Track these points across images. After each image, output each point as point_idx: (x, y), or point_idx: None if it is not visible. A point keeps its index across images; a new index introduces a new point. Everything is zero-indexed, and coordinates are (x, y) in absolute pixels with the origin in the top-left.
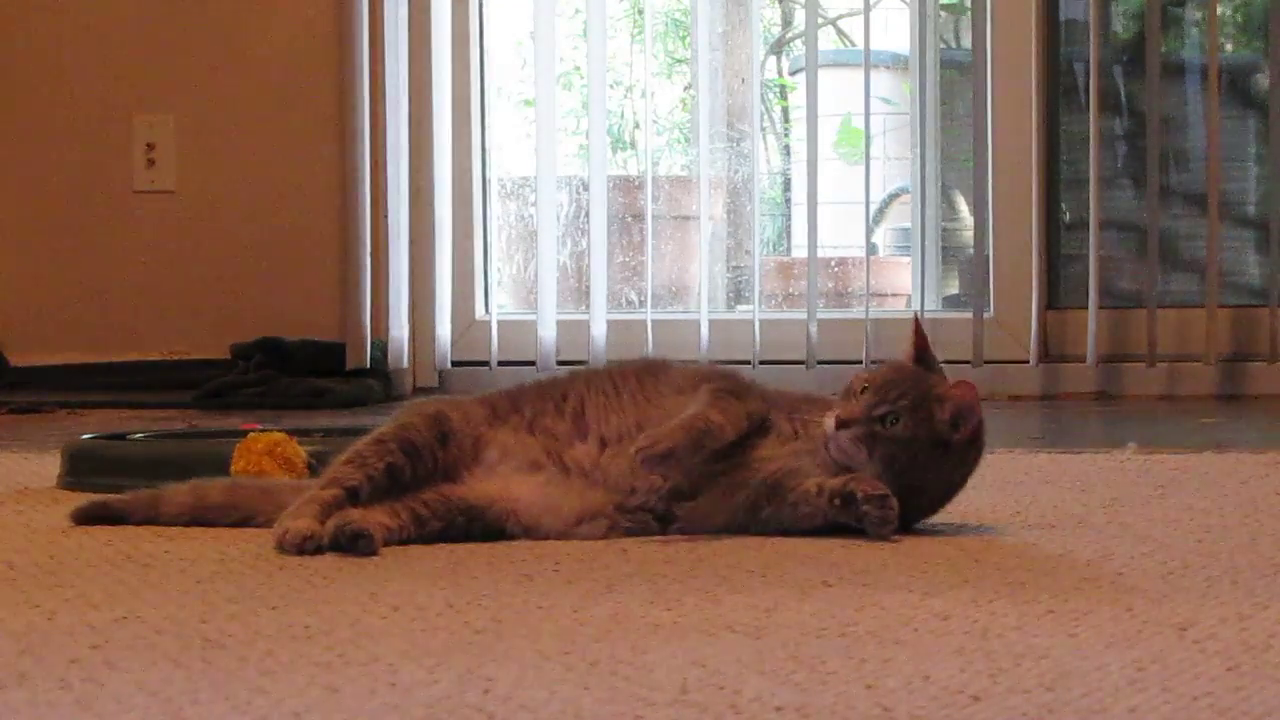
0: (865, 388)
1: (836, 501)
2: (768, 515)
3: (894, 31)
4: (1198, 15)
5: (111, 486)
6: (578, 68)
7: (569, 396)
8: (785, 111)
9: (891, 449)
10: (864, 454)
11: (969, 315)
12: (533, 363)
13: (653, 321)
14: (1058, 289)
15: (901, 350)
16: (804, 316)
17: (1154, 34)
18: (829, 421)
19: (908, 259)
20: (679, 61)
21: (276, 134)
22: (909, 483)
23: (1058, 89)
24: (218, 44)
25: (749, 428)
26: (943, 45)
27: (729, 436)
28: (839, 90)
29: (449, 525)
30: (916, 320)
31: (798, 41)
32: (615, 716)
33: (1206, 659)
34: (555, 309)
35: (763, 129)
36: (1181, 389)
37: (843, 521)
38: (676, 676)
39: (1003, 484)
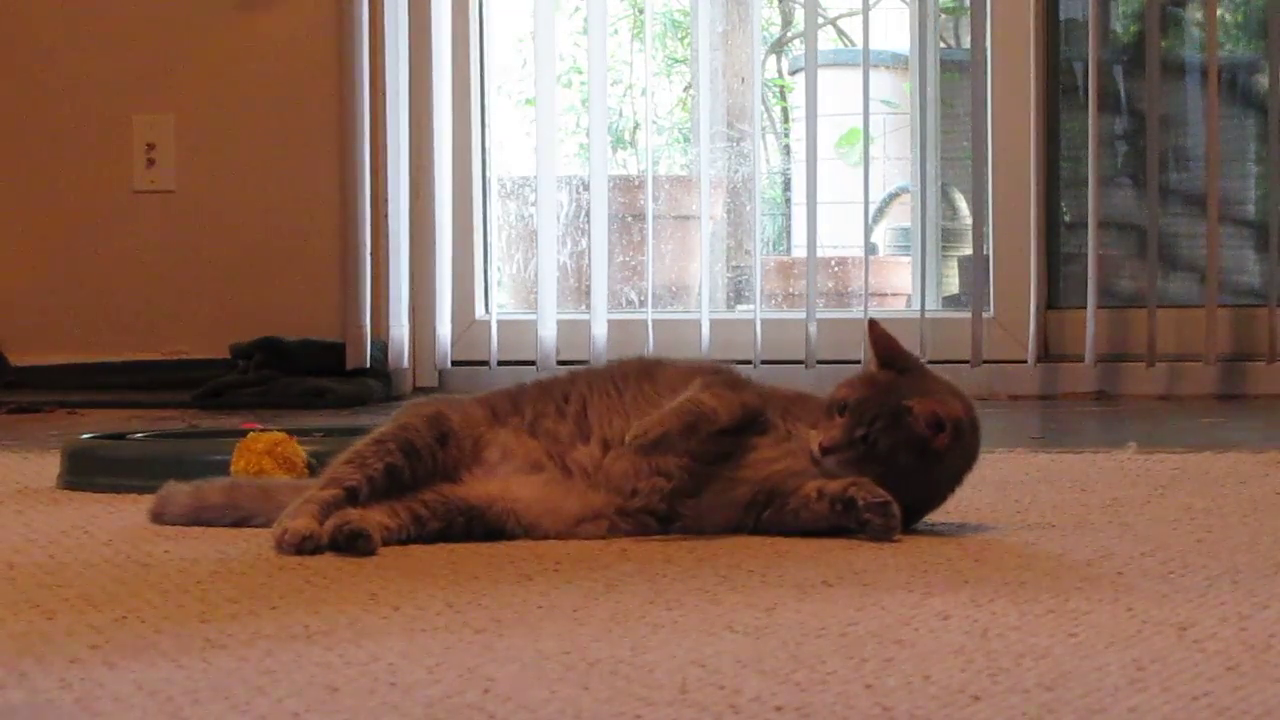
0: (844, 407)
1: (838, 507)
2: (768, 517)
3: (894, 31)
4: (1198, 15)
5: (111, 486)
6: (578, 67)
7: (570, 398)
8: (785, 111)
9: (879, 467)
10: (855, 473)
11: (969, 315)
12: (533, 362)
13: (653, 321)
14: (1057, 289)
15: (869, 357)
16: (804, 316)
17: (1154, 34)
18: (814, 446)
19: (907, 259)
20: (679, 61)
21: (276, 134)
22: (904, 488)
23: (1058, 89)
24: (218, 44)
25: (744, 417)
26: (943, 45)
27: (722, 421)
28: (839, 90)
29: (449, 525)
30: (872, 325)
31: (798, 41)
32: (615, 716)
33: (1206, 659)
34: (555, 309)
35: (763, 129)
36: (1181, 389)
37: (844, 525)
38: (676, 676)
39: (1003, 484)
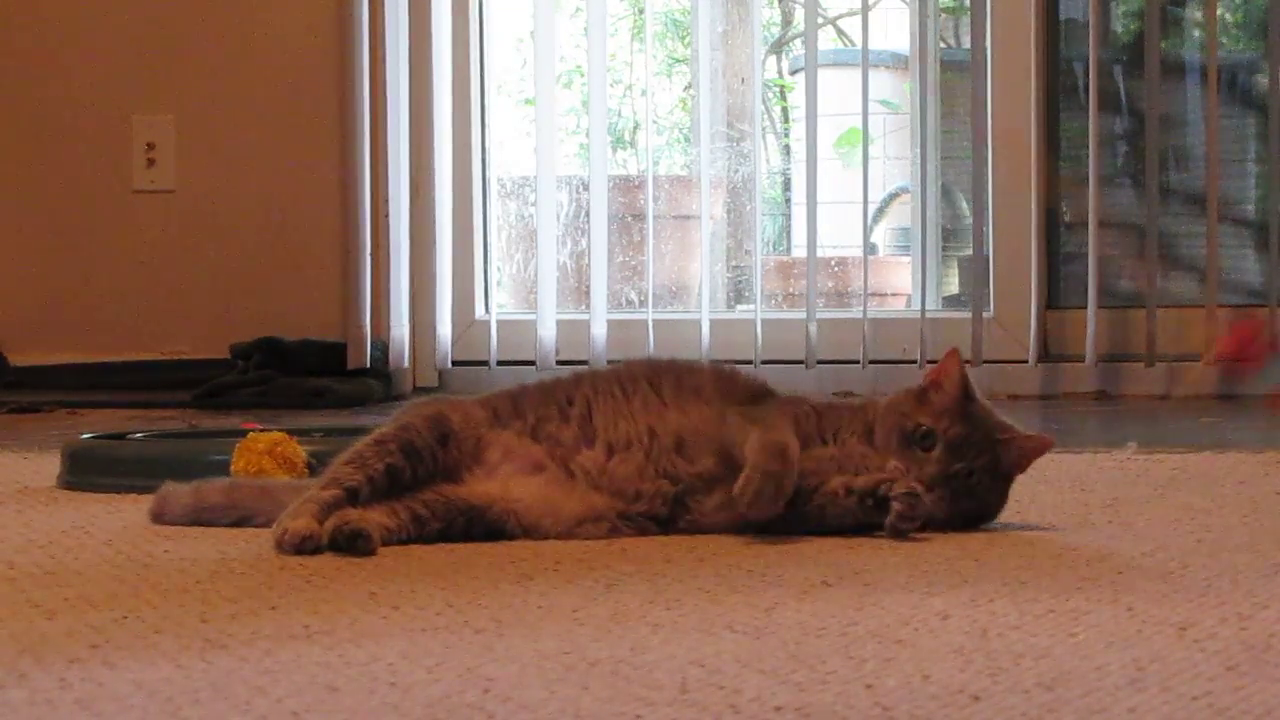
0: (928, 432)
1: (869, 502)
2: (789, 516)
3: (894, 31)
4: (1198, 15)
5: (111, 486)
6: (578, 67)
7: (574, 400)
8: (785, 111)
9: (964, 501)
10: (944, 509)
11: (969, 315)
12: (533, 362)
13: (653, 321)
14: (1057, 288)
15: (949, 386)
16: (804, 317)
17: (1154, 34)
18: (904, 481)
19: (908, 258)
20: (679, 61)
21: (276, 134)
22: (964, 513)
23: (1058, 89)
24: (218, 44)
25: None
26: (943, 45)
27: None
28: (839, 90)
29: (449, 525)
30: (957, 356)
31: (798, 41)
32: (615, 716)
33: (1206, 659)
34: (555, 309)
35: (763, 129)
36: (1181, 389)
37: (873, 521)
38: (676, 676)
39: None
